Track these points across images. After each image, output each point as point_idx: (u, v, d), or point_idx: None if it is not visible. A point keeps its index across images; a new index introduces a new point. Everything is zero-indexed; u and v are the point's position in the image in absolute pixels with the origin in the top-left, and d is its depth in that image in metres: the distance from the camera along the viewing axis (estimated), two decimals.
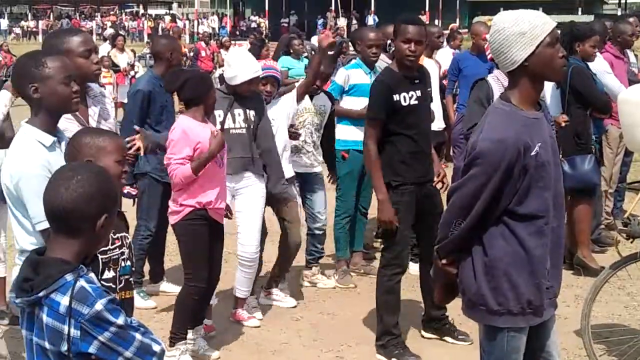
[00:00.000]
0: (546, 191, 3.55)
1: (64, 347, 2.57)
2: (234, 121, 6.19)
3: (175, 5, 71.41)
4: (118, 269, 3.50)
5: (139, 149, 5.25)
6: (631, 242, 5.36)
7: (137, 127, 5.77)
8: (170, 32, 29.36)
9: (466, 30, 29.47)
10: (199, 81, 5.66)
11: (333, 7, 47.72)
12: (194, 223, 5.57)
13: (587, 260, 7.58)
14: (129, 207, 6.17)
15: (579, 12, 48.40)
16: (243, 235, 6.31)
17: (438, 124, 8.20)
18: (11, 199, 3.67)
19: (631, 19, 9.46)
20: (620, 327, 6.28)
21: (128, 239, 3.59)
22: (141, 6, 68.40)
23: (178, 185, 5.53)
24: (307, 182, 7.20)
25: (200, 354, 5.87)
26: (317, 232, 7.33)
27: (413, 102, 5.73)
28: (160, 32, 45.43)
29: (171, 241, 6.87)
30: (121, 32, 35.10)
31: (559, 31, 3.62)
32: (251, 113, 6.22)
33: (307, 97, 7.00)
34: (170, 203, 5.71)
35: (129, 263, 3.56)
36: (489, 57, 6.34)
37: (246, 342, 6.23)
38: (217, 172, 5.59)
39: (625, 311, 6.74)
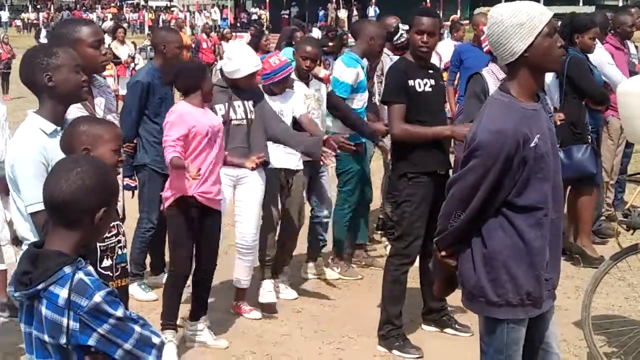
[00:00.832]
0: (545, 183, 3.56)
1: (63, 340, 2.57)
2: (235, 112, 6.22)
3: None
4: (115, 257, 3.53)
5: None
6: (632, 234, 5.36)
7: None
8: (172, 24, 29.39)
9: (467, 21, 29.45)
10: (193, 69, 5.74)
11: None
12: (181, 209, 5.62)
13: (586, 248, 7.60)
14: (127, 199, 6.16)
15: (580, 3, 48.27)
16: (241, 223, 6.36)
17: None
18: (12, 185, 3.71)
19: (633, 10, 9.44)
20: (621, 318, 6.28)
21: (122, 226, 3.61)
22: None
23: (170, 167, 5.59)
24: (316, 168, 7.15)
25: (209, 344, 5.94)
26: (324, 219, 7.33)
27: (427, 89, 5.81)
28: (161, 24, 45.45)
29: None
30: (122, 24, 35.05)
31: (558, 22, 3.62)
32: (249, 104, 6.27)
33: (303, 85, 6.98)
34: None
35: (125, 250, 3.61)
36: (485, 49, 6.34)
37: (247, 334, 6.24)
38: (208, 152, 5.61)
39: (626, 302, 6.75)
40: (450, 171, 5.87)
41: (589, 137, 7.46)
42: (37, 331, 2.65)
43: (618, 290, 6.92)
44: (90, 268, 2.68)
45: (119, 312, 2.60)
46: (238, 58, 6.22)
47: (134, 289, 6.69)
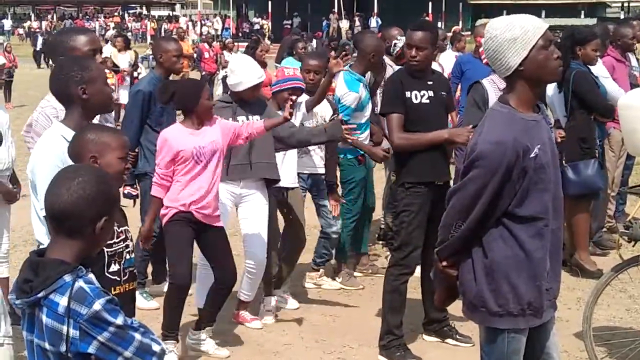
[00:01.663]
0: (545, 193, 3.56)
1: (63, 348, 2.58)
2: None
3: (178, 6, 71.46)
4: (122, 262, 3.56)
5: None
6: (633, 246, 5.37)
7: None
8: (173, 34, 29.41)
9: (469, 32, 29.48)
10: (187, 92, 5.70)
11: (336, 9, 47.73)
12: (176, 224, 5.65)
13: (584, 263, 7.58)
14: (129, 208, 6.18)
15: (582, 15, 48.35)
16: (249, 243, 6.32)
17: None
18: (32, 189, 3.84)
19: (634, 22, 9.44)
20: (622, 330, 6.26)
21: (130, 232, 3.65)
22: (144, 7, 68.41)
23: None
24: (318, 183, 7.14)
25: (210, 353, 5.94)
26: (333, 235, 7.28)
27: (425, 100, 5.82)
28: (162, 34, 45.52)
29: None
30: (124, 33, 35.09)
31: (558, 33, 3.63)
32: (254, 119, 6.22)
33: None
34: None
35: (133, 255, 3.65)
36: (484, 61, 6.36)
37: (248, 343, 6.24)
38: (200, 173, 5.62)
39: (627, 314, 6.74)
40: (451, 182, 5.88)
41: (596, 151, 7.45)
42: (38, 339, 2.66)
43: (619, 302, 6.92)
44: (91, 276, 2.68)
45: (119, 320, 2.60)
46: (240, 70, 6.21)
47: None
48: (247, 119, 6.20)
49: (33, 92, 21.48)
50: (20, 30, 60.61)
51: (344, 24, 44.73)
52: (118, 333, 2.59)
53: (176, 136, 5.64)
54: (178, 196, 5.61)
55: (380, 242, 8.46)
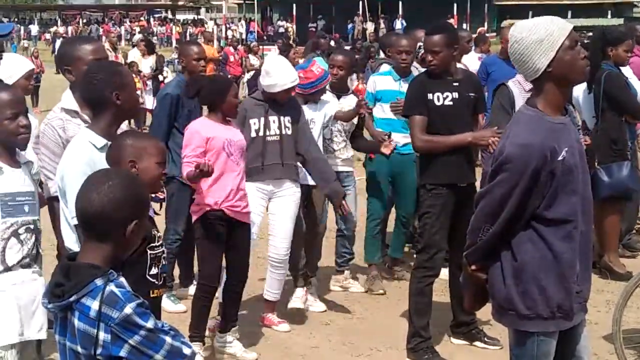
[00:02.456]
0: (574, 195, 3.55)
1: (96, 351, 2.60)
2: (269, 129, 6.22)
3: (203, 10, 71.72)
4: (160, 266, 3.59)
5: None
6: None
7: None
8: (198, 37, 29.51)
9: (494, 34, 29.37)
10: (215, 87, 5.75)
11: (361, 12, 47.70)
12: (208, 223, 5.67)
13: (614, 265, 7.54)
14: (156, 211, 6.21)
15: (609, 15, 48.02)
16: (275, 237, 6.39)
17: None
18: (61, 197, 3.86)
19: None
20: None
21: (162, 238, 3.68)
22: (169, 11, 68.72)
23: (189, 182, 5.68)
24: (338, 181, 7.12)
25: (238, 356, 5.95)
26: (346, 232, 7.30)
27: (447, 102, 5.79)
28: (188, 38, 45.67)
29: None
30: (150, 37, 35.24)
31: (586, 33, 3.62)
32: (286, 119, 6.25)
33: (335, 97, 7.03)
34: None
35: (165, 262, 3.69)
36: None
37: (275, 346, 6.25)
38: (232, 169, 5.66)
39: None
40: (477, 183, 5.85)
41: (628, 153, 7.41)
42: (70, 342, 2.68)
43: None
44: (123, 280, 2.70)
45: (150, 324, 2.62)
46: (276, 72, 6.21)
47: (163, 301, 6.70)
48: (279, 119, 6.24)
49: (59, 97, 21.58)
50: (47, 36, 61.04)
51: (369, 27, 44.64)
52: (149, 336, 2.61)
53: (207, 125, 5.69)
54: (209, 193, 5.62)
55: (409, 245, 8.42)
